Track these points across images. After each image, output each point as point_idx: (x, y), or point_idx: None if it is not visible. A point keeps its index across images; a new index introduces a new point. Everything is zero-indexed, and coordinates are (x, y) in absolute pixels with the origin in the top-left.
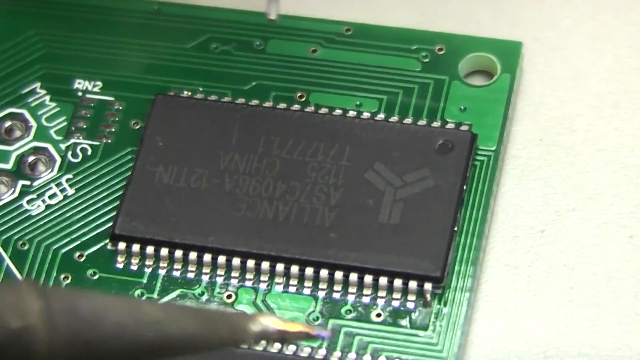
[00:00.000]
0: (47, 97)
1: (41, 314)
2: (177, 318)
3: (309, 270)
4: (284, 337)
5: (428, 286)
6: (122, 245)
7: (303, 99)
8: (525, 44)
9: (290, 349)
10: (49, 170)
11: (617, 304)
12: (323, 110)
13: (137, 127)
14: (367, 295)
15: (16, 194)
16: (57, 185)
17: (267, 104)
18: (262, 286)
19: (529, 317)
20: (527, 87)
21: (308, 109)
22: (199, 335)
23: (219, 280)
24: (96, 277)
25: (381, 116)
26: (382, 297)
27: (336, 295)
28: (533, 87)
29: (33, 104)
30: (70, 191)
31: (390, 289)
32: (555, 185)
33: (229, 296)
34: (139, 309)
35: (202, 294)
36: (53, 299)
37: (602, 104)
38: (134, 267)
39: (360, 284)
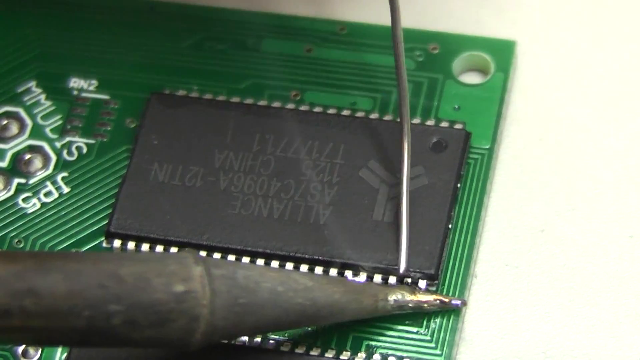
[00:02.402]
0: (43, 96)
1: (202, 279)
2: (325, 286)
3: (304, 268)
4: (419, 307)
5: (422, 283)
6: (117, 243)
7: (298, 98)
8: (519, 42)
9: (286, 346)
10: (45, 169)
11: (617, 304)
12: (317, 109)
13: (133, 125)
14: None
15: (12, 192)
16: (53, 183)
17: (262, 103)
18: None
19: (529, 317)
20: (522, 86)
21: (303, 108)
22: (344, 302)
23: None
24: None
25: (375, 115)
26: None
27: None
28: (528, 86)
29: (28, 103)
30: (66, 189)
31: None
32: (555, 185)
33: None
34: (290, 277)
35: None
36: (213, 267)
37: (602, 103)
38: None
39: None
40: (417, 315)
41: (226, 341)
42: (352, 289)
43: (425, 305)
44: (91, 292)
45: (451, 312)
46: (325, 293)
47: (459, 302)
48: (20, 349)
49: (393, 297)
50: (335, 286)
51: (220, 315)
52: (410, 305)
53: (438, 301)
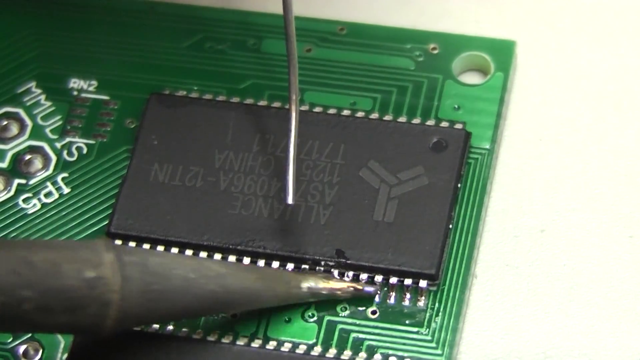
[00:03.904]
0: (43, 96)
1: (113, 265)
2: (238, 273)
3: (304, 268)
4: (333, 294)
5: (423, 283)
6: (118, 243)
7: (298, 98)
8: (519, 42)
9: (287, 346)
10: (45, 169)
11: (617, 303)
12: (317, 109)
13: (133, 126)
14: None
15: (12, 193)
16: (53, 183)
17: (262, 103)
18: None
19: (529, 317)
20: (522, 86)
21: (302, 108)
22: (257, 289)
23: None
24: None
25: (375, 115)
26: (377, 295)
27: None
28: (528, 86)
29: (28, 103)
30: (66, 190)
31: (385, 286)
32: (555, 185)
33: None
34: (203, 264)
35: None
36: (124, 254)
37: (602, 103)
38: None
39: (356, 282)
40: (418, 315)
41: (139, 328)
42: (265, 275)
43: (339, 292)
44: (3, 278)
45: (452, 312)
46: (238, 280)
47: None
48: (21, 349)
49: (307, 285)
50: (249, 273)
51: (131, 301)
52: (324, 292)
53: (352, 288)
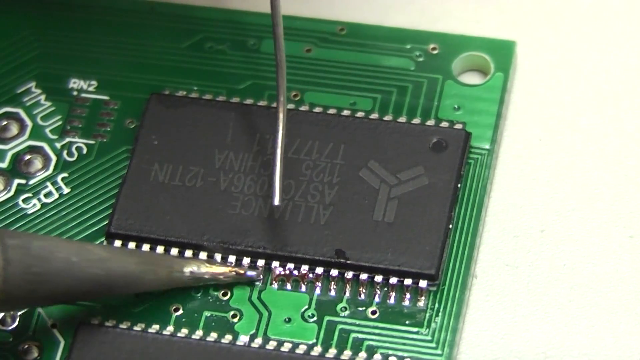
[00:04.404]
0: (43, 97)
1: None
2: (120, 257)
3: (304, 268)
4: (215, 278)
5: (423, 283)
6: (117, 243)
7: (297, 98)
8: (519, 42)
9: (287, 346)
10: (45, 169)
11: (617, 303)
12: (317, 109)
13: (132, 126)
14: (362, 293)
15: (12, 193)
16: (53, 183)
17: (262, 103)
18: (258, 283)
19: (529, 317)
20: (522, 86)
21: (302, 108)
22: (139, 273)
23: None
24: None
25: (375, 115)
26: (377, 295)
27: (331, 293)
28: (528, 86)
29: (28, 103)
30: (66, 190)
31: (385, 286)
32: (555, 185)
33: (224, 294)
34: (86, 248)
35: (198, 291)
36: (7, 237)
37: (602, 103)
38: None
39: (356, 282)
40: (418, 315)
41: (23, 310)
42: (147, 260)
43: (221, 277)
44: None
45: (451, 312)
46: (120, 264)
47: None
48: (22, 348)
49: (189, 269)
50: (131, 257)
51: (13, 283)
52: (206, 277)
53: (234, 273)
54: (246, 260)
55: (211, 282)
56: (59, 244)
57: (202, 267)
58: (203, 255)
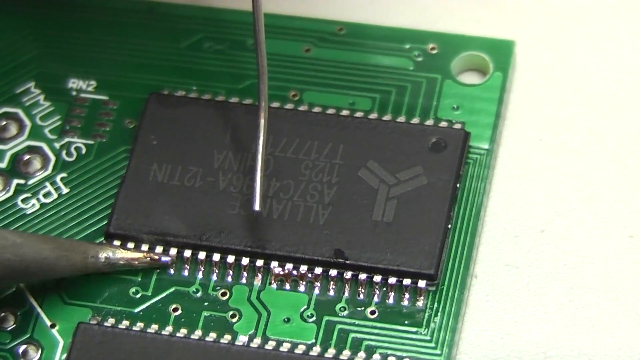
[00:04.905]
0: (42, 97)
1: None
2: (34, 243)
3: (303, 268)
4: (130, 264)
5: (422, 283)
6: (117, 243)
7: (296, 98)
8: (518, 42)
9: (285, 346)
10: (44, 169)
11: (617, 303)
12: (316, 109)
13: (132, 126)
14: (361, 293)
15: (11, 193)
16: (52, 183)
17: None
18: (257, 283)
19: (529, 317)
20: (521, 85)
21: (301, 108)
22: (53, 259)
23: (214, 277)
24: (90, 275)
25: (374, 115)
26: (376, 295)
27: (330, 293)
28: (527, 86)
29: (27, 104)
30: (65, 190)
31: (384, 286)
32: (555, 185)
33: (223, 294)
34: (0, 234)
35: (197, 291)
36: None
37: (602, 103)
38: None
39: (355, 281)
40: (417, 315)
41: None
42: (61, 246)
43: (136, 262)
44: None
45: (450, 312)
46: (34, 250)
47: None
48: (21, 349)
49: (104, 255)
50: (45, 243)
51: None
52: (121, 262)
53: (148, 258)
54: (245, 261)
55: (126, 268)
56: None
57: (117, 252)
58: (202, 255)
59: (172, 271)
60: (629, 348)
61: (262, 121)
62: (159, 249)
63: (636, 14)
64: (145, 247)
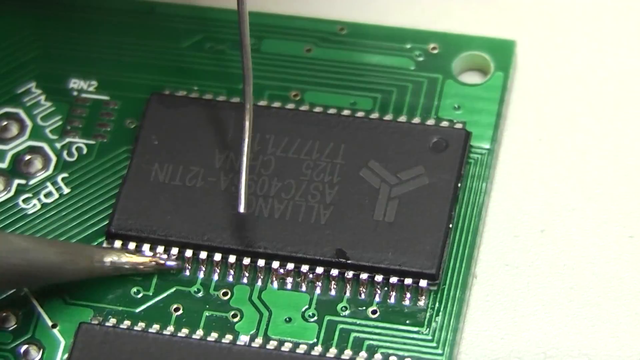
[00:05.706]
0: (43, 97)
1: None
2: (41, 247)
3: (305, 268)
4: (136, 268)
5: (423, 283)
6: (118, 244)
7: (298, 98)
8: (519, 42)
9: (287, 346)
10: (45, 169)
11: (617, 303)
12: (318, 109)
13: (133, 126)
14: (362, 292)
15: (12, 193)
16: (53, 184)
17: (262, 103)
18: (258, 283)
19: (529, 317)
20: (522, 85)
21: (303, 108)
22: (60, 263)
23: (215, 277)
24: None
25: (375, 114)
26: (377, 294)
27: (332, 292)
28: (528, 86)
29: (28, 104)
30: (66, 190)
31: (385, 286)
32: (555, 185)
33: (224, 293)
34: (6, 238)
35: (198, 291)
36: None
37: (602, 103)
38: None
39: (356, 281)
40: (418, 315)
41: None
42: (68, 250)
43: (142, 267)
44: None
45: (452, 311)
46: (41, 254)
47: (173, 263)
48: (22, 349)
49: (109, 259)
50: (52, 247)
51: None
52: (126, 266)
53: (154, 263)
54: (246, 261)
55: (132, 272)
56: None
57: (122, 257)
58: (203, 254)
59: (174, 265)
60: (629, 348)
61: (247, 123)
62: (160, 249)
63: (636, 14)
64: (146, 247)
